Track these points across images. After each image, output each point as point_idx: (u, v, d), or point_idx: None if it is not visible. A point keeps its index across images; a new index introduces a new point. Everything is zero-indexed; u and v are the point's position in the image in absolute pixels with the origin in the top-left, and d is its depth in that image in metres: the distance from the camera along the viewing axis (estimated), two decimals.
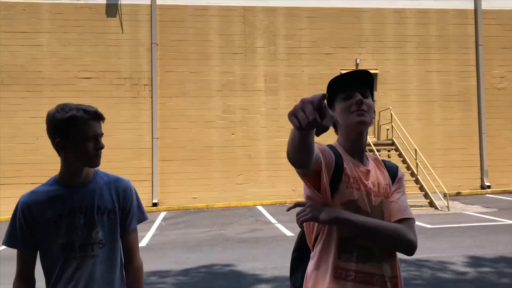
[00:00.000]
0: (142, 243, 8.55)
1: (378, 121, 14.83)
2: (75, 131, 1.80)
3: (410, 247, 1.67)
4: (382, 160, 1.90)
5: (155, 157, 13.68)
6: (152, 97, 13.79)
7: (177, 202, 13.67)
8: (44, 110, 13.33)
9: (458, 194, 14.35)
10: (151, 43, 13.90)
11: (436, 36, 15.08)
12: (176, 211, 13.12)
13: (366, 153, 1.85)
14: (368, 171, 1.77)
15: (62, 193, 1.87)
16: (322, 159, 1.62)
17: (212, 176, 13.95)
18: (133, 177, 13.49)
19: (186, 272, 6.22)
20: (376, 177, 1.78)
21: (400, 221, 1.72)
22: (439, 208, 11.68)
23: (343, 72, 12.40)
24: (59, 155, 1.87)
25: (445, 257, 6.49)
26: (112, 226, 1.92)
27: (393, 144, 13.71)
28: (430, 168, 13.05)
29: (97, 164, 1.89)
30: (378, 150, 13.41)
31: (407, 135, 13.71)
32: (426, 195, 12.29)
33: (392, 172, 1.85)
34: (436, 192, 12.39)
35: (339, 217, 1.61)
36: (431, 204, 12.03)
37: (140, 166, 13.63)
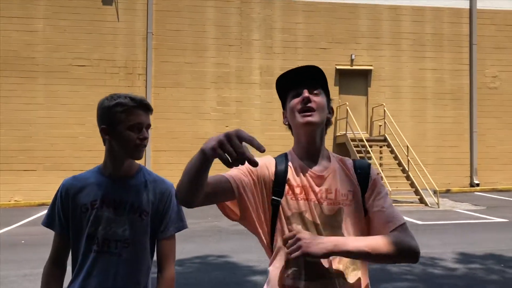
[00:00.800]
0: None
1: (371, 117, 14.95)
2: (119, 118, 1.74)
3: (414, 254, 1.49)
4: (354, 160, 1.69)
5: (148, 147, 13.67)
6: (146, 87, 13.77)
7: None
8: (38, 97, 13.28)
9: (448, 191, 14.56)
10: (147, 33, 13.85)
11: (431, 34, 15.19)
12: None
13: (331, 153, 1.68)
14: (321, 177, 1.58)
15: (100, 182, 1.83)
16: (237, 185, 1.50)
17: None
18: None
19: (181, 262, 6.28)
20: (333, 182, 1.58)
21: (394, 230, 1.51)
22: (429, 205, 11.85)
23: (338, 68, 12.36)
24: (104, 143, 1.82)
25: (436, 253, 6.63)
26: (142, 227, 1.82)
27: (385, 140, 13.84)
28: (422, 165, 13.21)
29: (139, 156, 1.80)
30: (370, 146, 13.54)
31: (400, 131, 13.85)
32: (417, 192, 12.46)
33: (363, 174, 1.61)
34: (426, 189, 12.56)
35: (335, 250, 1.41)
36: (421, 200, 12.20)
37: None
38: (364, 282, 1.56)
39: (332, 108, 1.67)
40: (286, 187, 1.56)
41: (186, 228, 1.93)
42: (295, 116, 1.58)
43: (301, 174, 1.58)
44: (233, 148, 1.17)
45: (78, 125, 13.29)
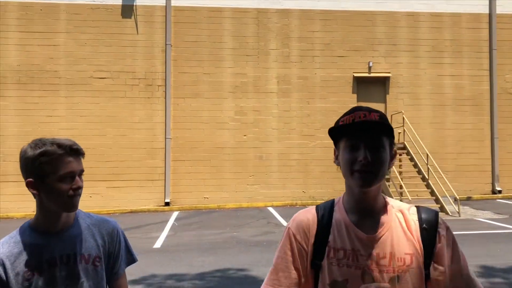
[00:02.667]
0: (157, 244, 8.72)
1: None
2: (47, 169, 1.55)
3: None
4: (418, 208, 1.42)
5: (168, 157, 13.84)
6: (165, 98, 13.96)
7: (189, 202, 13.84)
8: (60, 109, 13.58)
9: (468, 198, 14.36)
10: (166, 44, 14.05)
11: (449, 40, 15.07)
12: (188, 210, 13.29)
13: (390, 202, 1.43)
14: (371, 239, 1.36)
15: (38, 242, 1.61)
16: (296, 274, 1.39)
17: (223, 176, 14.10)
18: (146, 176, 13.70)
19: (201, 276, 6.36)
20: (388, 244, 1.35)
21: None
22: (450, 213, 11.72)
23: (355, 75, 12.32)
24: (34, 197, 1.61)
25: None
26: (98, 275, 1.69)
27: (404, 148, 13.75)
28: (441, 172, 13.08)
29: (74, 209, 1.61)
30: None
31: (419, 139, 13.74)
32: (437, 200, 12.33)
33: (429, 230, 1.37)
34: (447, 197, 12.43)
35: None
36: (442, 209, 12.07)
37: (153, 165, 13.81)
38: None
39: (395, 151, 1.43)
40: (327, 248, 1.37)
41: (136, 261, 1.84)
42: (351, 175, 1.35)
43: (346, 234, 1.37)
44: None
45: (98, 136, 13.53)
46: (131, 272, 1.91)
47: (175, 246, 8.52)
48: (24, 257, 1.60)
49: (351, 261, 1.34)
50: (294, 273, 1.40)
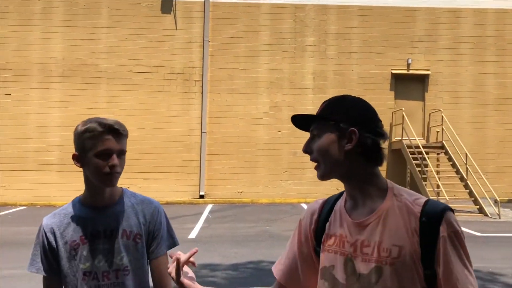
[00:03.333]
0: (192, 235, 8.89)
1: (428, 123, 14.56)
2: (87, 145, 1.64)
3: None
4: (427, 201, 1.25)
5: (203, 151, 14.04)
6: (202, 93, 14.15)
7: (222, 196, 14.00)
8: (100, 102, 13.98)
9: (510, 201, 13.90)
10: (203, 40, 14.23)
11: (493, 37, 14.60)
12: (221, 204, 13.45)
13: (395, 189, 1.30)
14: (359, 224, 1.27)
15: (84, 215, 1.73)
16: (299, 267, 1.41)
17: (257, 171, 14.18)
18: (182, 169, 13.94)
19: (235, 267, 6.45)
20: (375, 232, 1.24)
21: None
22: (489, 215, 11.39)
23: (394, 72, 12.07)
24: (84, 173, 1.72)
25: (495, 268, 6.39)
26: (138, 251, 1.76)
27: (442, 147, 13.44)
28: (481, 173, 12.72)
29: (111, 184, 1.68)
30: (427, 153, 13.18)
31: (458, 138, 13.40)
32: (476, 201, 12.01)
33: (428, 225, 1.20)
34: (486, 198, 12.08)
35: None
36: (481, 210, 11.75)
37: (188, 159, 14.04)
38: None
39: (344, 131, 1.28)
40: (324, 235, 1.35)
41: (178, 245, 1.88)
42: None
43: (339, 220, 1.33)
44: None
45: (137, 129, 13.85)
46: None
47: (209, 238, 8.66)
48: (72, 228, 1.72)
49: (338, 247, 1.29)
50: (291, 255, 1.43)
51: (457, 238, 1.19)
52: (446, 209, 1.21)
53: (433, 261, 1.19)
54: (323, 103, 1.35)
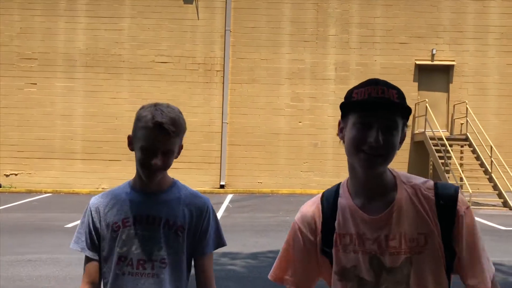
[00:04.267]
0: None
1: (452, 115, 14.31)
2: (138, 134, 1.61)
3: None
4: (436, 183, 1.30)
5: (224, 141, 14.11)
6: (223, 83, 14.18)
7: (243, 186, 14.07)
8: (123, 92, 14.15)
9: None
10: (225, 30, 14.23)
11: None
12: (242, 194, 13.52)
13: (401, 176, 1.33)
14: (376, 220, 1.27)
15: (131, 198, 1.70)
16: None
17: (277, 162, 14.19)
18: (203, 159, 14.04)
19: (254, 255, 6.50)
20: (397, 224, 1.26)
21: None
22: None
23: (417, 63, 11.82)
24: None
25: None
26: (179, 245, 1.68)
27: (467, 139, 13.20)
28: (506, 166, 12.45)
29: (149, 180, 1.64)
30: (451, 145, 12.96)
31: (483, 130, 13.12)
32: (500, 195, 11.79)
33: (448, 208, 1.25)
34: (510, 192, 11.84)
35: None
36: (505, 204, 11.53)
37: (209, 149, 14.13)
38: None
39: (405, 133, 1.31)
40: (335, 236, 1.33)
41: (225, 245, 1.80)
42: (356, 154, 1.26)
43: (350, 219, 1.31)
44: None
45: None
46: None
47: (229, 227, 8.70)
48: (116, 209, 1.69)
49: (357, 246, 1.28)
50: (292, 267, 1.42)
51: (470, 212, 1.27)
52: (457, 188, 1.28)
53: (451, 239, 1.25)
54: (392, 89, 1.25)
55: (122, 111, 13.97)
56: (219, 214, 10.07)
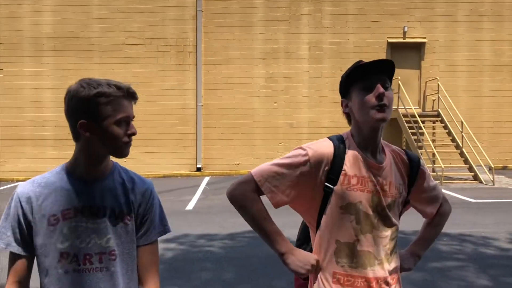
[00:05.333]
0: (189, 206, 8.97)
1: (424, 92, 14.53)
2: (105, 111, 1.44)
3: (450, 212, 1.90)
4: (405, 151, 1.75)
5: (199, 123, 14.01)
6: (196, 65, 14.01)
7: (220, 168, 14.06)
8: (94, 76, 13.67)
9: (504, 168, 14.03)
10: (196, 10, 14.00)
11: (489, 3, 14.41)
12: (218, 176, 13.51)
13: (384, 143, 1.70)
14: (379, 168, 1.62)
15: (69, 186, 1.50)
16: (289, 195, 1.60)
17: (254, 143, 14.20)
18: (178, 142, 13.94)
19: (232, 236, 6.53)
20: (389, 175, 1.63)
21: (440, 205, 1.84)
22: (484, 182, 11.50)
23: (390, 41, 12.03)
24: (77, 140, 1.49)
25: (488, 232, 6.50)
26: (128, 234, 1.55)
27: (438, 115, 13.45)
28: (476, 141, 12.78)
29: (126, 154, 1.51)
30: (423, 122, 13.20)
31: (454, 106, 13.40)
32: (471, 169, 12.11)
33: (414, 165, 1.71)
34: (481, 166, 12.17)
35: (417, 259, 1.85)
36: (476, 177, 11.86)
37: (184, 132, 14.03)
38: (398, 262, 1.71)
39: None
40: (341, 176, 1.57)
41: (169, 232, 1.67)
42: (368, 112, 1.55)
43: (359, 164, 1.60)
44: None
45: None
46: None
47: (206, 209, 8.73)
48: (52, 199, 1.49)
49: (363, 185, 1.59)
50: (287, 191, 1.60)
51: (427, 169, 1.79)
52: (418, 155, 1.94)
53: (412, 188, 1.73)
54: (387, 61, 1.56)
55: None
56: (196, 197, 10.06)
